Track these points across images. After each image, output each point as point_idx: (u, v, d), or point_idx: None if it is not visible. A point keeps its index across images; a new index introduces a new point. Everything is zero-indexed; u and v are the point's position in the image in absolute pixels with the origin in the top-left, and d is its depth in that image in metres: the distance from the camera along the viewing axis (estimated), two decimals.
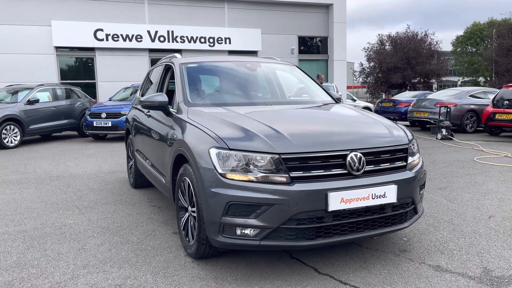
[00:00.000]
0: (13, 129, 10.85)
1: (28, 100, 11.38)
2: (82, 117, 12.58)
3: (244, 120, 3.25)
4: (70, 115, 12.66)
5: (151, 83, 5.36)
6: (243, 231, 2.82)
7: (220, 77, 4.40)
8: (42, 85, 12.30)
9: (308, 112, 3.86)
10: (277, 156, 2.79)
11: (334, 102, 4.41)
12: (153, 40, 16.60)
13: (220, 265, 3.20)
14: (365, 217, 2.95)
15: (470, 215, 4.40)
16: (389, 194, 2.96)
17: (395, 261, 3.25)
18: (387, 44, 36.95)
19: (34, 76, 14.94)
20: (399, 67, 33.84)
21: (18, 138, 10.96)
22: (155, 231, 4.02)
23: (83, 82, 16.26)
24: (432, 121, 12.95)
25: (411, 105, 14.40)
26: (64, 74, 16.26)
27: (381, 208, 3.00)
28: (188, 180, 3.16)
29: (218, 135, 2.96)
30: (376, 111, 16.94)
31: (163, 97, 3.91)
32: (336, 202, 2.79)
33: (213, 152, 2.88)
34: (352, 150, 2.93)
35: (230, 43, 17.59)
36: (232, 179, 2.80)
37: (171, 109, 3.94)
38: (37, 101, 11.56)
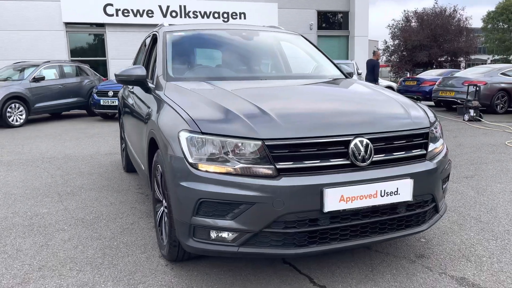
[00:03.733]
0: (18, 108, 10.53)
1: (34, 78, 11.03)
2: (91, 96, 12.18)
3: (227, 98, 2.67)
4: (78, 93, 12.28)
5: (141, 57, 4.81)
6: (219, 234, 2.27)
7: (209, 47, 3.79)
8: (49, 62, 11.92)
9: (308, 88, 3.23)
10: (259, 142, 2.21)
11: (344, 77, 3.77)
12: (164, 16, 16.00)
13: (197, 271, 2.68)
14: (372, 219, 2.37)
15: (502, 211, 3.75)
16: (403, 191, 2.36)
17: (409, 270, 2.66)
18: (413, 21, 35.35)
19: (43, 54, 14.60)
20: (425, 44, 32.33)
21: (24, 116, 10.65)
22: (134, 224, 3.52)
23: (93, 60, 15.85)
24: (459, 101, 12.04)
25: (436, 83, 13.47)
26: (74, 51, 15.88)
27: (393, 207, 2.41)
28: (161, 169, 2.63)
29: (191, 116, 2.39)
30: (399, 90, 16.05)
31: (141, 70, 3.35)
32: (334, 200, 2.21)
33: (183, 136, 2.32)
34: (357, 135, 2.33)
35: (245, 18, 16.84)
36: (204, 171, 2.24)
37: (150, 84, 3.39)
38: (42, 78, 11.20)
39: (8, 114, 10.30)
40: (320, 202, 2.19)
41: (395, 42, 36.23)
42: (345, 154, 2.30)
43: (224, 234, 2.27)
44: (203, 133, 2.28)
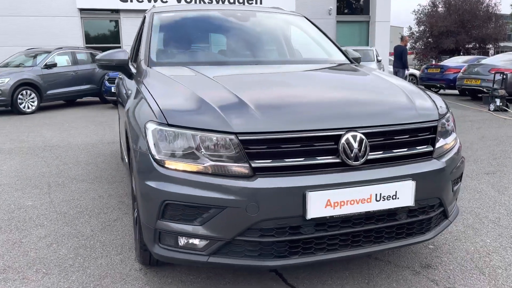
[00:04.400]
0: (30, 94, 10.47)
1: (45, 64, 10.93)
2: (103, 83, 12.04)
3: (206, 86, 2.36)
4: (90, 80, 12.16)
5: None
6: (189, 241, 1.99)
7: (200, 29, 3.47)
8: (61, 48, 11.80)
9: (302, 75, 2.86)
10: (232, 136, 1.90)
11: (349, 62, 3.40)
12: (179, 1, 15.68)
13: (172, 277, 2.41)
14: (365, 227, 2.04)
15: None
16: (403, 194, 2.02)
17: (412, 283, 2.33)
18: (440, 6, 34.10)
19: (57, 40, 14.49)
20: (452, 31, 31.22)
21: (35, 103, 10.59)
22: (117, 221, 3.28)
23: (108, 46, 15.69)
24: (484, 89, 11.38)
25: (461, 71, 12.79)
26: (89, 37, 15.75)
27: (391, 213, 2.08)
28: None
29: (160, 106, 2.10)
30: (421, 78, 15.41)
31: (124, 55, 3.06)
32: (319, 205, 1.89)
33: (150, 128, 2.03)
34: (349, 129, 1.99)
35: (261, 3, 16.36)
36: (171, 169, 1.95)
37: (133, 70, 3.10)
38: (55, 65, 11.10)
39: (19, 101, 10.25)
40: (303, 208, 1.88)
41: (421, 29, 35.10)
42: (335, 151, 1.97)
43: (194, 241, 1.98)
44: (169, 125, 1.98)
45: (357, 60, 3.63)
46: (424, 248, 2.75)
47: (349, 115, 2.08)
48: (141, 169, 2.06)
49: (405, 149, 2.13)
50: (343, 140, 1.96)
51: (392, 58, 14.32)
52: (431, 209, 2.21)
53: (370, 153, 2.02)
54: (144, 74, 2.76)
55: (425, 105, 2.31)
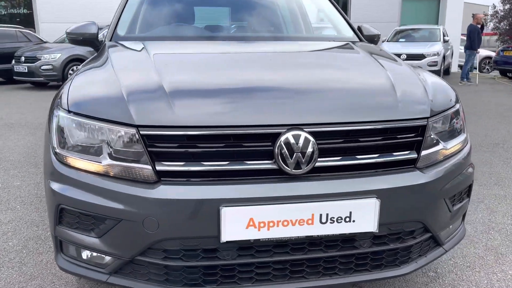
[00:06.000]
0: None
1: None
2: None
3: (136, 66, 1.96)
4: None
5: None
6: (93, 254, 1.64)
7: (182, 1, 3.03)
8: None
9: (272, 57, 2.25)
10: (133, 130, 1.49)
11: (358, 40, 2.81)
12: None
13: (105, 285, 2.10)
14: (310, 255, 1.57)
15: None
16: (361, 217, 1.51)
17: None
18: None
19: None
20: None
21: None
22: None
23: None
24: None
25: None
26: None
27: (347, 239, 1.58)
28: None
29: (70, 90, 1.74)
30: (496, 62, 13.82)
31: (94, 28, 2.74)
32: (239, 225, 1.44)
33: (56, 116, 1.69)
34: (292, 126, 1.51)
35: None
36: (69, 166, 1.59)
37: (99, 46, 2.77)
38: None
39: (69, 76, 10.50)
40: (217, 227, 1.44)
41: (506, 7, 31.78)
42: (271, 154, 1.50)
43: (98, 256, 1.63)
44: (69, 112, 1.62)
45: (373, 38, 3.04)
46: (422, 276, 2.19)
47: (295, 108, 1.59)
48: (45, 163, 1.73)
49: (375, 156, 1.60)
50: (280, 141, 1.48)
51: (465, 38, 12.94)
52: (409, 236, 1.67)
53: (320, 159, 1.52)
54: (100, 51, 2.43)
55: (412, 98, 1.74)
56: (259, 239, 1.48)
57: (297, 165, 1.49)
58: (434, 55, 11.72)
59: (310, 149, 1.49)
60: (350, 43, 2.59)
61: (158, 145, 1.49)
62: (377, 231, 1.54)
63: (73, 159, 1.58)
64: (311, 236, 1.51)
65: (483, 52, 17.68)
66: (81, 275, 1.66)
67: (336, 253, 1.58)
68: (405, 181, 1.59)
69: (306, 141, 1.49)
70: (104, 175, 1.53)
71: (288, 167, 1.49)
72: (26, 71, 10.58)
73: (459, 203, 1.86)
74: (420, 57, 11.70)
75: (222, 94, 1.66)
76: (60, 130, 1.63)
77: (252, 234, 1.46)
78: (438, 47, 11.94)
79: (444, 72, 12.98)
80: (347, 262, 1.62)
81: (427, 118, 1.67)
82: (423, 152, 1.65)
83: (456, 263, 2.32)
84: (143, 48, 2.18)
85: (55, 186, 1.61)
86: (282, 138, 1.48)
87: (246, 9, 3.00)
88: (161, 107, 1.53)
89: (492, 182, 3.61)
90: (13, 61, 10.91)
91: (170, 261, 1.51)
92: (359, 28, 3.08)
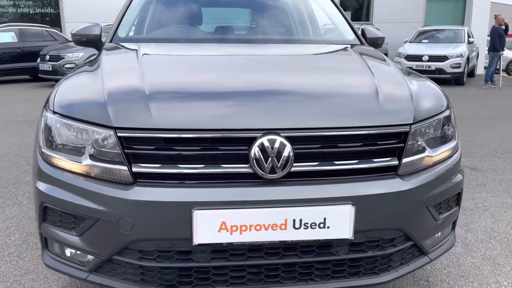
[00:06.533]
0: None
1: None
2: None
3: (122, 68, 2.00)
4: None
5: None
6: (76, 252, 1.68)
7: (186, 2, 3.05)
8: None
9: (260, 60, 2.25)
10: (111, 132, 1.52)
11: (359, 44, 2.78)
12: None
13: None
14: (285, 259, 1.57)
15: None
16: (336, 223, 1.50)
17: None
18: None
19: None
20: None
21: None
22: None
23: None
24: None
25: None
26: None
27: (324, 245, 1.57)
28: None
29: (57, 91, 1.80)
30: None
31: (97, 29, 2.80)
32: (211, 228, 1.46)
33: (44, 117, 1.74)
34: (268, 131, 1.51)
35: None
36: (52, 165, 1.64)
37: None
38: None
39: None
40: (190, 230, 1.46)
41: None
42: (247, 158, 1.51)
43: (80, 254, 1.67)
44: (55, 113, 1.67)
45: (376, 41, 2.99)
46: (412, 284, 2.15)
47: (273, 113, 1.59)
48: (33, 164, 1.78)
49: (355, 162, 1.58)
50: (255, 145, 1.49)
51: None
52: (389, 244, 1.64)
53: (296, 164, 1.52)
54: (100, 53, 2.48)
55: (395, 104, 1.72)
56: (232, 243, 1.49)
57: (272, 170, 1.49)
58: (458, 56, 11.44)
59: (285, 154, 1.49)
60: (348, 46, 2.56)
61: (135, 147, 1.51)
62: (353, 238, 1.53)
63: (56, 159, 1.63)
64: (285, 241, 1.51)
65: (510, 54, 17.14)
66: (63, 272, 1.71)
67: (312, 258, 1.58)
68: (383, 188, 1.57)
69: (282, 145, 1.49)
70: (84, 175, 1.57)
71: (263, 172, 1.49)
72: (51, 69, 10.87)
73: (446, 211, 1.82)
74: (442, 58, 11.46)
75: (201, 97, 1.67)
76: (46, 131, 1.68)
77: (224, 238, 1.47)
78: (462, 48, 11.66)
79: (469, 74, 12.67)
80: (324, 268, 1.61)
81: (410, 124, 1.64)
82: (405, 160, 1.63)
83: (450, 272, 2.27)
84: (135, 50, 2.22)
85: (40, 184, 1.66)
86: (257, 143, 1.49)
87: (248, 11, 3.01)
88: (139, 109, 1.56)
89: (501, 190, 3.50)
90: (39, 60, 11.23)
91: (145, 261, 1.54)
92: (363, 31, 3.05)
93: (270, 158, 1.49)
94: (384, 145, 1.61)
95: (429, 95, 1.88)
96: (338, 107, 1.66)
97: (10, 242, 2.57)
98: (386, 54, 13.66)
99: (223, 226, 1.46)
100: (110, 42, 2.63)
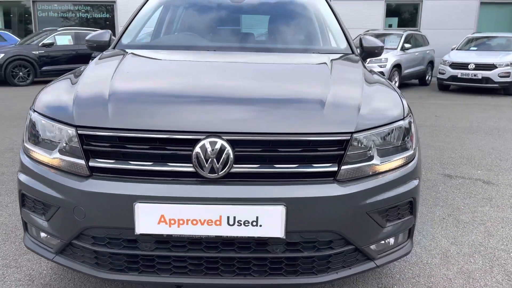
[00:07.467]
0: None
1: None
2: None
3: (101, 73, 2.20)
4: None
5: None
6: (47, 236, 1.90)
7: (184, 8, 3.23)
8: None
9: (235, 68, 2.38)
10: (73, 130, 1.72)
11: (350, 53, 2.83)
12: None
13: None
14: (223, 254, 1.69)
15: None
16: (268, 222, 1.60)
17: None
18: None
19: None
20: None
21: None
22: None
23: None
24: None
25: None
26: None
27: (260, 243, 1.68)
28: None
29: (40, 92, 2.06)
30: None
31: (107, 36, 3.05)
32: (151, 221, 1.61)
33: (29, 114, 1.98)
34: (210, 134, 1.64)
35: None
36: (31, 158, 1.87)
37: None
38: None
39: None
40: (133, 220, 1.62)
41: None
42: (190, 159, 1.65)
43: (50, 237, 1.88)
44: (34, 111, 1.91)
45: (373, 50, 3.02)
46: None
47: (218, 117, 1.71)
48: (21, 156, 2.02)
49: (294, 166, 1.67)
50: (198, 146, 1.62)
51: None
52: (326, 246, 1.71)
53: (237, 165, 1.64)
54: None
55: (340, 112, 1.78)
56: (171, 235, 1.63)
57: (212, 170, 1.62)
58: (507, 65, 10.89)
59: (225, 156, 1.62)
60: (330, 56, 2.59)
61: (93, 143, 1.70)
62: (285, 237, 1.62)
63: (33, 152, 1.85)
64: (221, 236, 1.63)
65: None
66: (37, 252, 1.92)
67: (249, 255, 1.68)
68: (317, 192, 1.64)
69: (222, 148, 1.62)
70: (52, 167, 1.77)
71: (204, 171, 1.62)
72: None
73: (396, 219, 1.86)
74: (490, 67, 10.96)
75: (155, 101, 1.83)
76: (29, 127, 1.91)
77: (163, 230, 1.61)
78: (509, 57, 11.08)
79: None
80: (262, 265, 1.71)
81: (351, 133, 1.70)
82: (345, 166, 1.69)
83: (418, 281, 2.28)
84: (122, 56, 2.42)
85: (20, 175, 1.89)
86: (199, 144, 1.62)
87: (239, 18, 3.14)
88: (99, 111, 1.74)
89: (508, 205, 3.39)
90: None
91: (98, 247, 1.71)
92: (361, 39, 3.09)
93: (210, 159, 1.61)
94: (325, 152, 1.69)
95: (383, 105, 1.93)
96: (283, 114, 1.76)
97: (20, 226, 2.85)
98: (432, 62, 13.34)
99: (162, 219, 1.60)
100: (114, 48, 2.86)
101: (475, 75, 11.10)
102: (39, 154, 1.82)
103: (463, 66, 11.31)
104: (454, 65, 11.46)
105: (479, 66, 11.05)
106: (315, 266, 1.73)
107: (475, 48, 12.33)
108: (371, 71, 2.48)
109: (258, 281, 1.71)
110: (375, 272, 2.34)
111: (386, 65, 11.05)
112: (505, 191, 3.70)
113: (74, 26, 16.12)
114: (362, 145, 1.74)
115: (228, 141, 1.63)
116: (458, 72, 11.25)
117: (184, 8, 3.28)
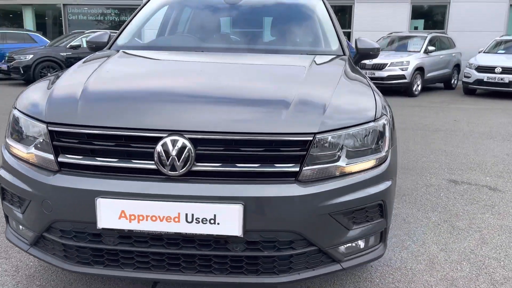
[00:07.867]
0: None
1: None
2: None
3: (78, 72, 2.24)
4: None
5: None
6: (24, 228, 1.97)
7: (183, 9, 3.27)
8: None
9: (215, 67, 2.42)
10: (44, 126, 1.78)
11: (342, 54, 2.81)
12: None
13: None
14: (184, 250, 1.71)
15: None
16: (225, 220, 1.62)
17: None
18: None
19: None
20: None
21: None
22: None
23: None
24: None
25: None
26: None
27: (219, 241, 1.69)
28: None
29: (22, 91, 2.15)
30: None
31: (105, 37, 3.13)
32: (112, 216, 1.65)
33: (11, 111, 2.06)
34: (172, 132, 1.67)
35: None
36: (10, 153, 1.95)
37: None
38: None
39: None
40: (94, 215, 1.66)
41: None
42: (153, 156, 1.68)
43: (25, 229, 1.95)
44: (14, 108, 1.99)
45: (368, 52, 3.00)
46: None
47: (181, 115, 1.74)
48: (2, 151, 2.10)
49: (256, 165, 1.68)
50: (160, 144, 1.66)
51: None
52: (286, 246, 1.71)
53: (199, 164, 1.67)
54: None
55: (304, 113, 1.78)
56: (132, 230, 1.66)
57: (173, 167, 1.65)
58: None
59: (186, 154, 1.64)
60: (317, 57, 2.58)
61: (62, 139, 1.75)
62: (242, 236, 1.63)
63: (12, 147, 1.93)
64: (180, 233, 1.65)
65: None
66: (15, 244, 1.99)
67: (209, 252, 1.70)
68: (276, 192, 1.64)
69: (183, 146, 1.64)
70: (27, 162, 1.84)
71: (165, 169, 1.65)
72: None
73: (365, 221, 1.83)
74: None
75: (124, 99, 1.87)
76: (11, 123, 1.99)
77: (124, 225, 1.65)
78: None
79: None
80: (222, 263, 1.72)
81: (314, 134, 1.69)
82: (307, 167, 1.69)
83: (397, 287, 2.23)
84: (109, 56, 2.49)
85: (1, 170, 1.97)
86: (161, 142, 1.65)
87: (241, 20, 3.16)
88: (69, 108, 1.80)
89: (509, 213, 3.27)
90: None
91: (65, 240, 1.77)
92: (356, 41, 3.06)
93: (171, 157, 1.64)
94: (287, 152, 1.69)
95: (354, 107, 1.90)
96: (247, 114, 1.77)
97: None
98: (458, 65, 12.97)
99: (123, 215, 1.64)
100: (109, 49, 2.93)
101: (501, 79, 10.74)
102: (17, 149, 1.89)
103: (490, 69, 10.97)
104: (480, 69, 11.12)
105: (506, 70, 10.69)
106: (276, 266, 1.73)
107: (503, 51, 11.93)
108: (360, 73, 2.46)
109: (219, 279, 1.73)
110: (353, 275, 2.31)
111: (407, 68, 10.82)
112: (510, 198, 3.57)
113: (104, 29, 16.58)
114: (328, 146, 1.73)
115: (190, 139, 1.65)
116: (484, 76, 10.92)
117: (182, 11, 3.33)
